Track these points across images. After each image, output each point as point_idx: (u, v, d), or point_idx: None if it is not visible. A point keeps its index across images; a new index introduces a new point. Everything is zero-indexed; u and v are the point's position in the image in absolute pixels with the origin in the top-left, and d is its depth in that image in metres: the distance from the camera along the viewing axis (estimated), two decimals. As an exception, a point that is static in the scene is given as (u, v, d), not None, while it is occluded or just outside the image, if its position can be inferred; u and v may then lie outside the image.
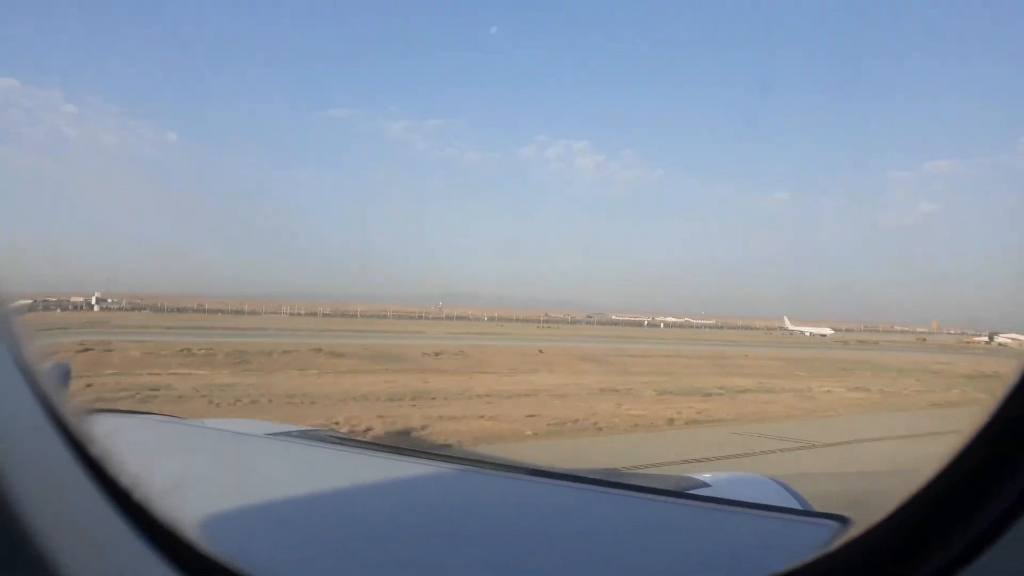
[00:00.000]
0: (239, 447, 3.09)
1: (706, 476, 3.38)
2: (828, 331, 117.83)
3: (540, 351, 43.32)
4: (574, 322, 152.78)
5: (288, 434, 3.46)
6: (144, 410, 3.82)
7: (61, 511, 0.90)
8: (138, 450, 2.76)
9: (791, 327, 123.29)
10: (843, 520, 2.19)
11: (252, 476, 2.61)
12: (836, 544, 1.05)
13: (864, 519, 1.02)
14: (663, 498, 2.66)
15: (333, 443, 3.39)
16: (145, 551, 0.95)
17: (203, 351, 33.41)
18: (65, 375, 3.70)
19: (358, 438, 3.81)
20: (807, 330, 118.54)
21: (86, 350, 31.35)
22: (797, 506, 2.93)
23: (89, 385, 19.54)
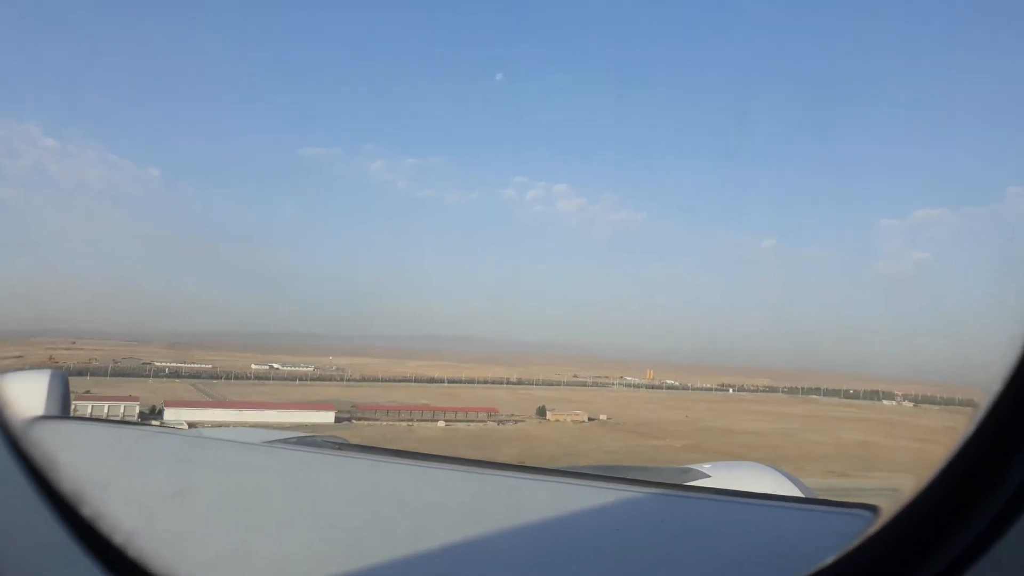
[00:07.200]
0: (238, 456, 3.11)
1: (706, 467, 3.41)
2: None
3: None
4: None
5: (286, 441, 3.48)
6: (144, 422, 3.80)
7: (4, 522, 0.92)
8: (138, 461, 2.77)
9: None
10: (857, 508, 2.19)
11: (250, 485, 2.62)
12: (860, 539, 1.05)
13: (887, 511, 1.02)
14: (667, 491, 2.67)
15: (331, 449, 3.40)
16: (85, 562, 0.97)
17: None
18: (63, 382, 3.77)
19: (355, 443, 3.84)
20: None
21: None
22: (799, 493, 2.96)
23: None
